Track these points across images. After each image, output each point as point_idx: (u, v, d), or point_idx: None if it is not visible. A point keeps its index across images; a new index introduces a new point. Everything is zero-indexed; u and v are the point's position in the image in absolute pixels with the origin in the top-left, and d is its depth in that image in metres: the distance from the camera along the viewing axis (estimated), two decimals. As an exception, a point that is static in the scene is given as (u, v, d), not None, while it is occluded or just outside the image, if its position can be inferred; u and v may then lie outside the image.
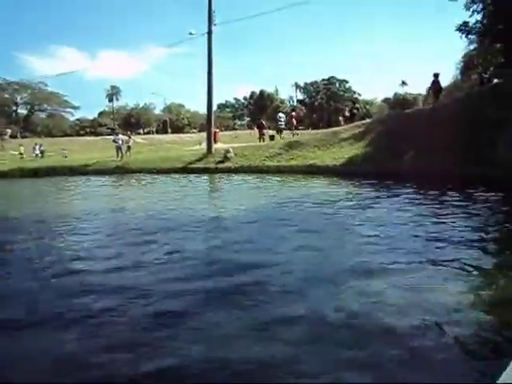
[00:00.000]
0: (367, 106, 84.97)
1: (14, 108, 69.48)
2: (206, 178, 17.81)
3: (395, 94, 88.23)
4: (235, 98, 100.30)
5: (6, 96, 66.45)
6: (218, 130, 29.32)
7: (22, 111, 71.48)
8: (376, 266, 4.49)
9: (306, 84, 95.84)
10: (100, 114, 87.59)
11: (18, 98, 69.16)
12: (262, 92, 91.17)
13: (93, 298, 3.90)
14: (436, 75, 19.61)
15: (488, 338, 2.94)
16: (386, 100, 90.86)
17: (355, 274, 4.28)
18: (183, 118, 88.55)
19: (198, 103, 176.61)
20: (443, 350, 2.77)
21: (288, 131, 25.78)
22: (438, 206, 8.07)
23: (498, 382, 0.84)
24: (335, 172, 14.99)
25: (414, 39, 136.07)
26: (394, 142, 15.28)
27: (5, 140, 42.36)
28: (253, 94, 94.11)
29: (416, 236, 5.75)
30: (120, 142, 26.40)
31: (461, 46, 53.15)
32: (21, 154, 32.46)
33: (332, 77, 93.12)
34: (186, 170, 20.44)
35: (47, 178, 21.35)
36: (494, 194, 8.88)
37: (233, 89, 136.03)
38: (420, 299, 3.57)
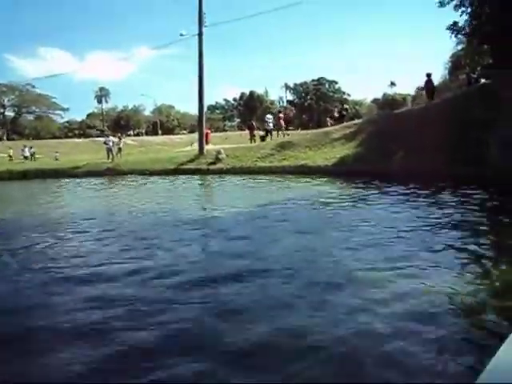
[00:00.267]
0: (356, 107, 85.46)
1: (1, 110, 68.59)
2: (198, 179, 17.81)
3: (384, 94, 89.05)
4: (225, 100, 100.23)
5: (-6, 98, 65.71)
6: (209, 132, 29.32)
7: (9, 113, 70.67)
8: (368, 263, 4.56)
9: (295, 85, 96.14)
10: (88, 115, 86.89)
11: (5, 100, 68.29)
12: (251, 93, 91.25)
13: (96, 305, 3.89)
14: (429, 75, 19.77)
15: (467, 338, 2.96)
16: (375, 100, 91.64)
17: (353, 274, 4.34)
18: (173, 120, 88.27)
19: (188, 104, 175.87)
20: (423, 350, 2.79)
21: (275, 132, 25.70)
22: (430, 205, 8.19)
23: (476, 382, 0.84)
24: (327, 172, 15.10)
25: (403, 40, 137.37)
26: (385, 142, 15.43)
27: None
28: (243, 95, 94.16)
29: (409, 232, 5.84)
30: (111, 143, 26.23)
31: (449, 46, 53.83)
32: (10, 156, 32.08)
33: (321, 77, 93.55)
34: (177, 171, 20.40)
35: (37, 180, 21.14)
36: (483, 192, 9.03)
37: (222, 90, 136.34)
38: (402, 299, 3.61)
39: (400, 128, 16.05)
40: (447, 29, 17.35)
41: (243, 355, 2.83)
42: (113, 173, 21.80)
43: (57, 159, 30.16)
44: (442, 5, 16.65)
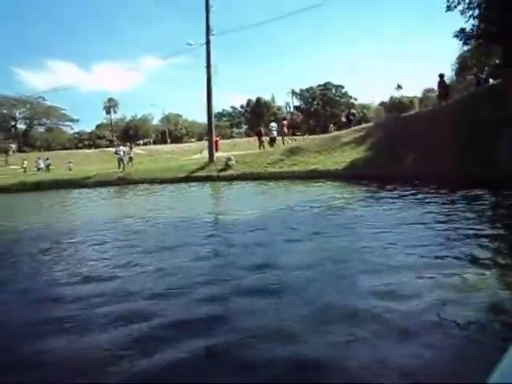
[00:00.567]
0: (364, 110, 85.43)
1: (13, 123, 69.75)
2: (209, 186, 17.98)
3: (391, 97, 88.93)
4: (232, 107, 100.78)
5: (5, 111, 66.77)
6: (218, 139, 29.59)
7: (21, 126, 71.87)
8: (384, 264, 4.63)
9: (302, 90, 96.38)
10: (98, 126, 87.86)
11: (17, 113, 69.47)
12: (258, 100, 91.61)
13: (124, 303, 4.03)
14: (441, 75, 19.64)
15: (479, 337, 2.93)
16: (382, 104, 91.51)
17: (369, 274, 4.41)
18: (181, 128, 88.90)
19: (195, 113, 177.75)
20: (434, 349, 2.78)
21: (280, 139, 25.93)
22: (443, 207, 8.21)
23: (489, 382, 0.83)
24: (337, 176, 15.16)
25: (409, 42, 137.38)
26: (394, 146, 15.47)
27: (10, 156, 42.73)
28: (249, 101, 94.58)
29: (425, 235, 5.89)
30: (121, 153, 26.67)
31: (455, 47, 53.69)
32: (24, 168, 32.67)
33: (328, 82, 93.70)
34: (188, 178, 20.63)
35: (51, 190, 21.47)
36: (495, 193, 9.04)
37: (229, 97, 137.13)
38: (414, 298, 3.63)
39: (409, 131, 16.09)
40: (454, 36, 17.42)
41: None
42: (124, 182, 22.08)
43: (70, 169, 30.59)
44: (449, 9, 16.72)
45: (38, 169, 32.34)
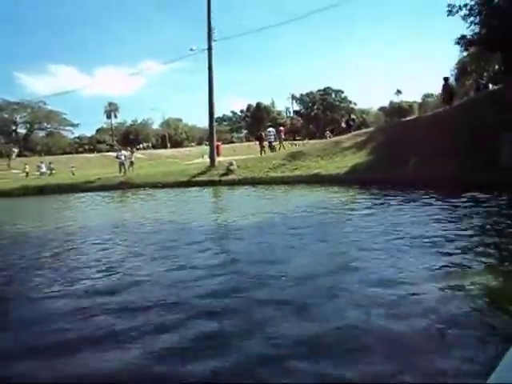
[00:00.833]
0: (363, 115, 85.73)
1: (14, 127, 69.91)
2: (211, 190, 18.02)
3: (391, 102, 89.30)
4: (232, 112, 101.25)
5: (6, 116, 66.95)
6: (220, 143, 29.69)
7: (22, 130, 72.05)
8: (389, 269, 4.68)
9: (301, 95, 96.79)
10: (98, 130, 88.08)
11: (18, 118, 69.65)
12: (258, 104, 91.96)
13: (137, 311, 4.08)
14: (446, 79, 19.63)
15: (479, 337, 2.96)
16: (381, 109, 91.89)
17: (371, 280, 4.46)
18: (181, 133, 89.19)
19: (195, 117, 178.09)
20: (434, 350, 2.80)
21: (277, 144, 26.19)
22: (448, 211, 8.26)
23: (488, 382, 0.83)
24: (339, 181, 15.19)
25: (409, 48, 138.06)
26: (396, 150, 15.54)
27: (12, 160, 42.87)
28: (249, 106, 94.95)
29: (434, 238, 5.94)
30: (123, 157, 26.71)
31: (454, 53, 53.99)
32: (26, 172, 32.74)
33: (328, 87, 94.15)
34: (190, 183, 20.66)
35: (54, 195, 21.46)
36: (496, 197, 9.11)
37: (229, 102, 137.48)
38: (416, 301, 3.67)
39: (410, 136, 16.17)
40: (456, 43, 17.55)
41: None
42: (126, 186, 22.09)
43: (73, 174, 30.63)
44: (451, 13, 16.85)
45: (41, 173, 32.39)
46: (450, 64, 53.54)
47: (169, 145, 73.67)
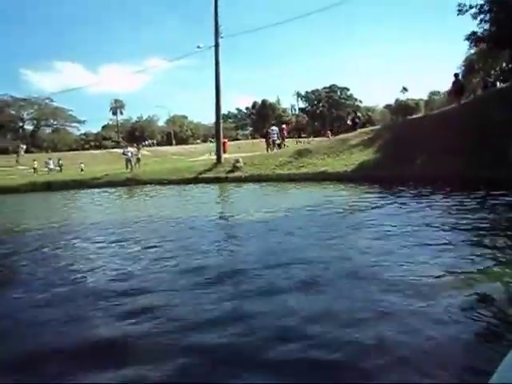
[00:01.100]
0: (369, 113, 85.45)
1: (21, 124, 70.39)
2: (218, 187, 18.08)
3: (397, 100, 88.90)
4: (237, 109, 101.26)
5: (13, 112, 67.43)
6: (226, 140, 29.77)
7: (28, 127, 72.56)
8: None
9: (307, 92, 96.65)
10: (104, 127, 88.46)
11: (25, 114, 70.11)
12: (264, 102, 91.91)
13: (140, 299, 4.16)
14: (456, 75, 19.56)
15: (481, 337, 2.94)
16: (387, 106, 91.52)
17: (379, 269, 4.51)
18: (187, 130, 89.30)
19: (201, 114, 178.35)
20: (435, 350, 2.77)
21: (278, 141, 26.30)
22: (457, 208, 8.27)
23: (490, 382, 0.83)
24: (346, 178, 15.20)
25: (414, 45, 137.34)
26: (403, 148, 15.54)
27: (20, 156, 43.15)
28: (255, 103, 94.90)
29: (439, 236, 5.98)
30: (129, 154, 26.88)
31: (461, 50, 53.73)
32: (34, 168, 32.98)
33: (333, 85, 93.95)
34: (196, 179, 20.75)
35: (62, 191, 21.62)
36: (505, 194, 9.11)
37: (235, 99, 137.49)
38: (417, 301, 3.64)
39: (417, 133, 16.16)
40: (466, 39, 17.49)
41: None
42: (133, 183, 22.23)
43: (82, 170, 30.80)
44: (460, 12, 16.80)
45: (49, 169, 32.61)
46: (457, 62, 53.20)
47: (174, 142, 73.81)
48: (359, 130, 21.81)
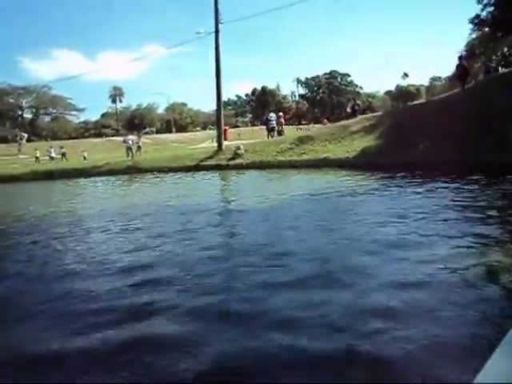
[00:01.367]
0: (370, 99, 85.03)
1: (20, 112, 70.09)
2: (220, 174, 18.09)
3: (397, 85, 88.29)
4: (237, 96, 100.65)
5: (11, 101, 67.08)
6: (227, 128, 29.69)
7: (27, 115, 72.26)
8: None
9: (307, 79, 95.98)
10: (103, 115, 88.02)
11: (24, 102, 69.76)
12: (263, 88, 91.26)
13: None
14: (460, 57, 19.07)
15: (466, 336, 2.91)
16: (388, 92, 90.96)
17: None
18: (186, 117, 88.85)
19: (200, 102, 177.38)
20: (420, 349, 2.75)
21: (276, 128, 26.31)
22: (464, 194, 8.33)
23: (475, 381, 0.85)
24: (348, 165, 15.23)
25: (415, 31, 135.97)
26: (405, 134, 15.55)
27: (22, 145, 42.98)
28: (255, 90, 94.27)
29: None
30: (130, 142, 26.82)
31: (462, 35, 53.20)
32: (36, 157, 32.91)
33: (334, 71, 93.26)
34: (197, 167, 20.74)
35: (62, 180, 21.62)
36: (503, 179, 9.20)
37: (234, 86, 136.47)
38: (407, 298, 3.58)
39: (419, 119, 16.16)
40: (470, 22, 17.41)
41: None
42: (133, 171, 22.22)
43: (85, 158, 30.80)
44: None
45: (51, 158, 32.53)
46: (458, 47, 52.70)
47: (174, 129, 73.53)
48: (360, 117, 21.77)
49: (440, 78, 77.60)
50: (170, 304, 3.69)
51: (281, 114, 28.51)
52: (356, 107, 26.84)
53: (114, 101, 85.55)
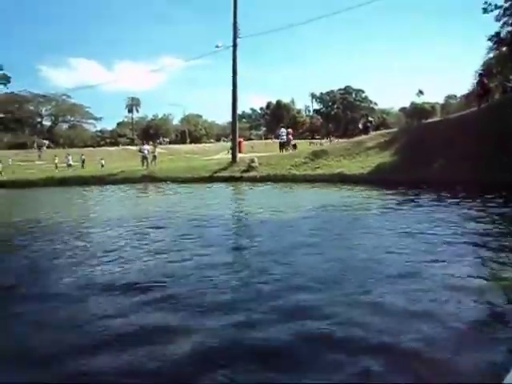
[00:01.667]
0: (384, 115, 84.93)
1: (39, 120, 71.61)
2: (234, 186, 18.15)
3: (412, 103, 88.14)
4: (252, 109, 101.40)
5: (31, 108, 68.62)
6: (242, 140, 29.94)
7: (46, 123, 73.78)
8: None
9: (322, 94, 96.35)
10: (118, 124, 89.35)
11: (43, 110, 71.30)
12: (278, 102, 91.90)
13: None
14: (480, 74, 19.04)
15: (496, 337, 2.95)
16: (402, 109, 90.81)
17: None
18: (201, 129, 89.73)
19: (215, 114, 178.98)
20: (449, 349, 2.79)
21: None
22: (478, 211, 8.30)
23: (504, 382, 0.85)
24: (363, 180, 15.21)
25: (431, 49, 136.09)
26: (420, 152, 15.53)
27: (42, 152, 44.15)
28: (269, 104, 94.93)
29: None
30: (146, 151, 27.20)
31: (479, 55, 53.14)
32: (55, 164, 33.77)
33: (348, 86, 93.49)
34: (212, 178, 20.90)
35: (76, 187, 21.91)
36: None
37: (249, 99, 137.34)
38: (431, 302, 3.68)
39: (435, 137, 16.13)
40: (489, 39, 17.48)
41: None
42: (148, 180, 22.47)
43: (102, 166, 31.38)
44: (485, 11, 16.85)
45: (68, 165, 33.27)
46: (475, 66, 52.57)
47: (188, 140, 74.29)
48: (375, 133, 21.80)
49: (455, 96, 77.31)
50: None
51: (290, 130, 28.79)
52: (368, 124, 26.90)
53: (130, 111, 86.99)
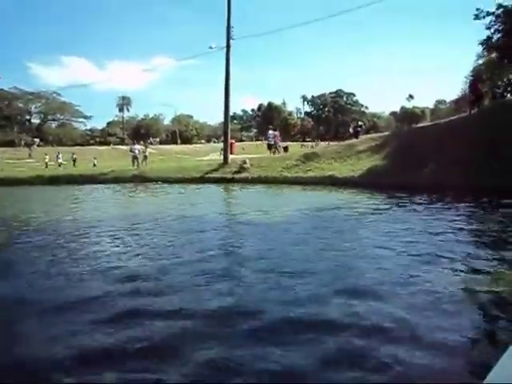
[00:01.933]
0: (375, 119, 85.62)
1: (28, 117, 70.73)
2: (226, 187, 18.11)
3: (402, 107, 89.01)
4: (243, 110, 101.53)
5: (20, 105, 67.73)
6: (233, 141, 29.92)
7: (35, 120, 72.88)
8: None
9: (313, 97, 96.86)
10: (109, 123, 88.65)
11: (32, 108, 70.42)
12: (269, 104, 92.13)
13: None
14: (475, 80, 19.14)
15: (476, 338, 3.00)
16: (393, 113, 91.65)
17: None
18: (192, 129, 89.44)
19: (206, 114, 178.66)
20: (431, 350, 2.82)
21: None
22: (468, 215, 8.39)
23: (485, 381, 0.85)
24: (354, 183, 15.30)
25: (422, 54, 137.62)
26: (412, 156, 15.63)
27: (33, 150, 43.69)
28: (261, 106, 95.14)
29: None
30: (136, 151, 27.02)
31: (468, 61, 53.88)
32: (45, 163, 33.42)
33: (339, 90, 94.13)
34: (203, 179, 20.84)
35: (68, 185, 21.71)
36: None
37: (241, 100, 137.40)
38: (419, 301, 3.73)
39: (425, 142, 16.25)
40: (480, 44, 17.67)
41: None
42: (138, 179, 22.32)
43: (95, 165, 31.11)
44: (477, 17, 17.05)
45: (59, 164, 32.95)
46: (464, 72, 53.32)
47: (179, 141, 73.99)
48: (365, 136, 21.96)
49: (445, 101, 78.23)
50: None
51: (276, 132, 28.64)
52: (358, 129, 27.11)
53: (121, 110, 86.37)
